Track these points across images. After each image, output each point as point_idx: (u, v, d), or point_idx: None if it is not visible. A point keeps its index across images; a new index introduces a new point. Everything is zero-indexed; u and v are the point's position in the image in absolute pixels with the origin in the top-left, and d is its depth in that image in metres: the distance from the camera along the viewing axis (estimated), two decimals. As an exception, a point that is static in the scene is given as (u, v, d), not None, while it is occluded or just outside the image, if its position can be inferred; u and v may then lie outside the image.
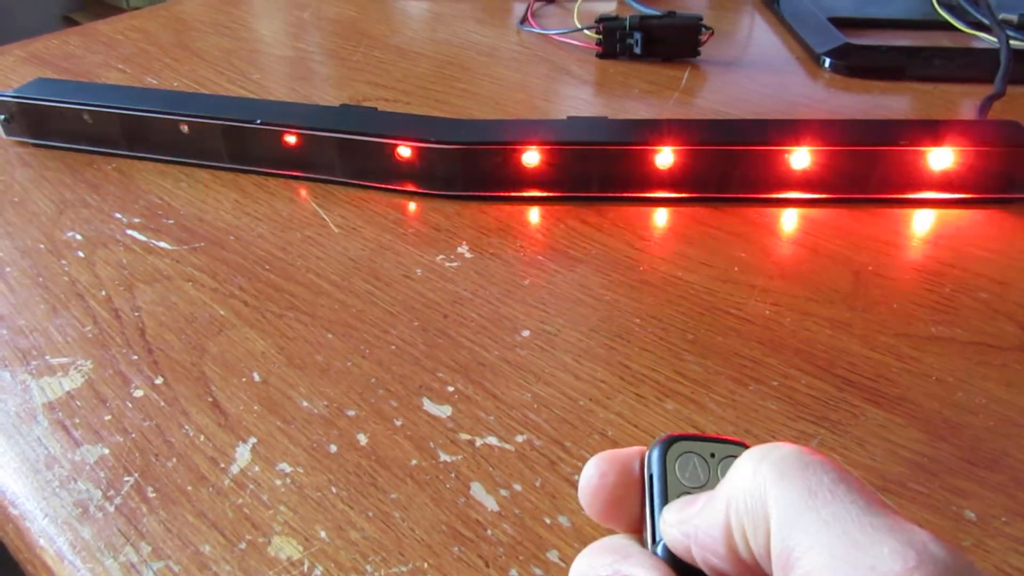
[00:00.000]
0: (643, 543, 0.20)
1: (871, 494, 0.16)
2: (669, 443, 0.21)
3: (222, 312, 0.40)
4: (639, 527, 0.21)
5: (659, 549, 0.20)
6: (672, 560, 0.19)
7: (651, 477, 0.21)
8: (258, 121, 0.49)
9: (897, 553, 0.14)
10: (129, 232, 0.46)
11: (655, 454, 0.21)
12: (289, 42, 0.73)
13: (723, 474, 0.19)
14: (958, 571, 0.14)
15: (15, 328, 0.39)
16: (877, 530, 0.15)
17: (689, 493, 0.20)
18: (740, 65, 0.67)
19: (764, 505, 0.16)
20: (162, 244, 0.45)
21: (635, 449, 0.21)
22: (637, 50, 0.65)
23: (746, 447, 0.20)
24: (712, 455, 0.20)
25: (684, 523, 0.19)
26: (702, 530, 0.18)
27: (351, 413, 0.34)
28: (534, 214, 0.47)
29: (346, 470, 0.32)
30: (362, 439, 0.33)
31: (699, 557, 0.18)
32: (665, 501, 0.20)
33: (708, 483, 0.20)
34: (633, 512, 0.21)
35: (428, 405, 0.35)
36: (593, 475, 0.21)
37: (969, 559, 0.15)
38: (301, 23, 0.77)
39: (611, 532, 0.21)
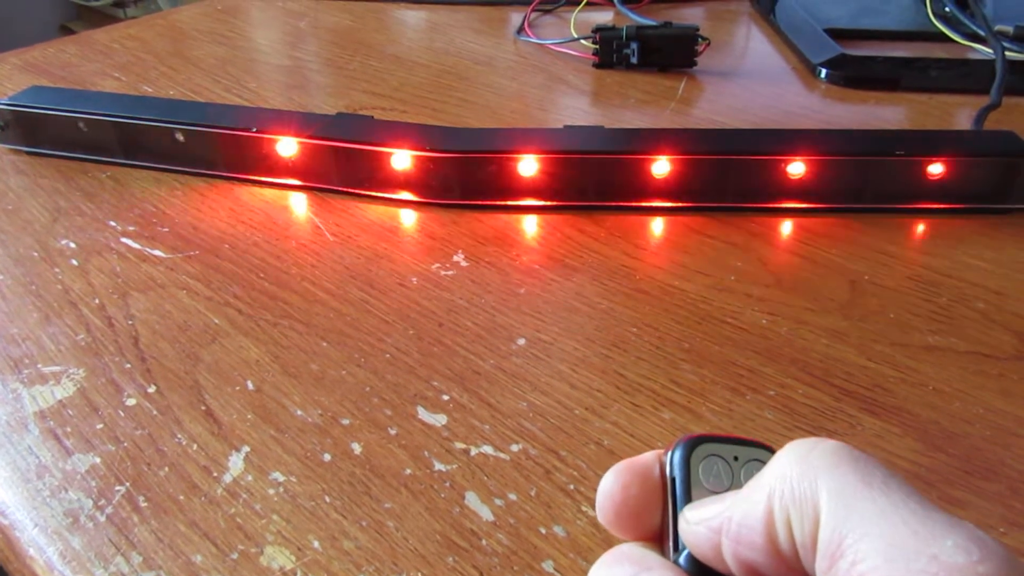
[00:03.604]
0: (660, 551, 0.20)
1: (921, 494, 0.16)
2: (693, 445, 0.20)
3: (216, 320, 0.40)
4: (655, 535, 0.20)
5: (682, 558, 0.19)
6: (695, 571, 0.18)
7: (674, 480, 0.20)
8: (254, 129, 0.49)
9: (960, 547, 0.14)
10: (123, 240, 0.46)
11: (678, 456, 0.20)
12: (286, 51, 0.73)
13: (747, 478, 0.18)
14: (1020, 571, 0.14)
15: (7, 336, 0.39)
16: (937, 523, 0.15)
17: None
18: (736, 75, 0.67)
19: (814, 492, 0.16)
20: (156, 252, 0.45)
21: (651, 455, 0.21)
22: (634, 60, 0.66)
23: (770, 449, 0.19)
24: (736, 458, 0.20)
25: (714, 518, 0.18)
26: (737, 521, 0.17)
27: (345, 422, 0.34)
28: (530, 223, 0.47)
29: (340, 479, 0.32)
30: (356, 448, 0.33)
31: (730, 552, 0.17)
32: None
33: (731, 488, 0.19)
34: (651, 521, 0.20)
35: (423, 414, 0.35)
36: (615, 490, 0.20)
37: None
38: (298, 32, 0.77)
39: (620, 540, 0.21)
